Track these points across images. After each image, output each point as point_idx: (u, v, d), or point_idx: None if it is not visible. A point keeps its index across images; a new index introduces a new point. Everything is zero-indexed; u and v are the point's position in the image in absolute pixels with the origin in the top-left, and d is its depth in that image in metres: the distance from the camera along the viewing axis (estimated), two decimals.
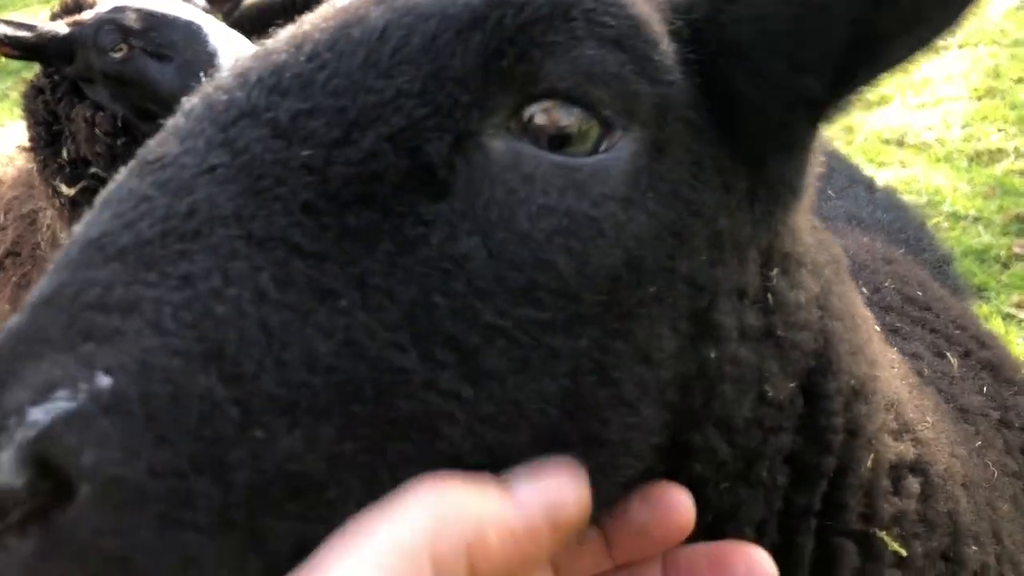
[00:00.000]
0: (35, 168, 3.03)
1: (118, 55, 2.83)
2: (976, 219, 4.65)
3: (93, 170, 2.94)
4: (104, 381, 0.51)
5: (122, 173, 0.65)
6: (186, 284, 0.56)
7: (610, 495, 0.69)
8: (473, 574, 0.55)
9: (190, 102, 0.69)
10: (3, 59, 8.22)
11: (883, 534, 0.91)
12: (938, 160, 5.20)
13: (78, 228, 0.61)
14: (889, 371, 1.03)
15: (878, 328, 1.07)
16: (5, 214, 3.35)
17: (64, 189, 2.95)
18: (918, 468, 0.99)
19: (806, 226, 0.90)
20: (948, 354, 1.55)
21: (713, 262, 0.74)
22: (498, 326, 0.62)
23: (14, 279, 3.31)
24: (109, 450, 0.49)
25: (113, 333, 0.53)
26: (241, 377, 0.54)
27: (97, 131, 2.90)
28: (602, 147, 0.69)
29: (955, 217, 4.68)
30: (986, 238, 4.48)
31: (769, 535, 0.84)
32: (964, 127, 5.43)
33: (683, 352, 0.72)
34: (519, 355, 0.63)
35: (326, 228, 0.60)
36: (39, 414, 0.49)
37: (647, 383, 0.70)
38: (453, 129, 0.65)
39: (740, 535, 0.80)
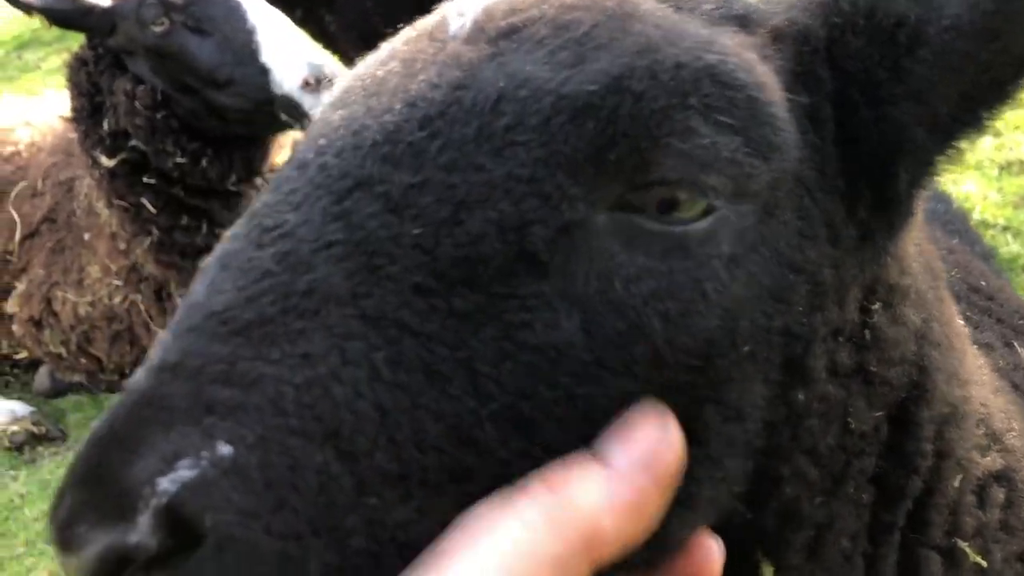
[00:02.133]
0: (76, 138, 3.08)
1: (159, 29, 2.88)
2: (1005, 228, 4.61)
3: (133, 143, 2.99)
4: (225, 450, 0.55)
5: (237, 234, 0.66)
6: (305, 363, 0.58)
7: (681, 542, 0.68)
8: (595, 563, 0.56)
9: (302, 154, 0.68)
10: (37, 30, 8.25)
11: (965, 545, 0.91)
12: (968, 168, 5.16)
13: (199, 290, 0.63)
14: (980, 384, 1.01)
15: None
16: (43, 180, 3.41)
17: (104, 160, 3.00)
18: (1004, 477, 0.98)
19: (913, 250, 0.88)
20: (1016, 343, 1.51)
21: (812, 311, 0.73)
22: (597, 404, 0.63)
23: (49, 245, 3.38)
24: (229, 513, 0.54)
25: (235, 408, 0.56)
26: (355, 453, 0.57)
27: (137, 104, 2.95)
28: (709, 214, 0.67)
29: (984, 225, 4.64)
30: (1015, 247, 4.45)
31: (860, 544, 0.85)
32: (995, 136, 5.39)
33: (773, 400, 0.72)
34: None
35: (435, 309, 0.61)
36: (167, 483, 0.54)
37: (735, 438, 0.70)
38: (559, 220, 0.64)
39: (839, 547, 0.82)
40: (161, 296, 3.31)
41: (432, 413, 0.59)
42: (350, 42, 4.15)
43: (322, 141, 0.67)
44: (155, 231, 3.11)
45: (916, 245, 0.91)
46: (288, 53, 2.83)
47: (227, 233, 0.66)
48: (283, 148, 3.27)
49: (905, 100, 0.74)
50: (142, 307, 3.31)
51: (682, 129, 0.65)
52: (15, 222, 3.37)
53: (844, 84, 0.75)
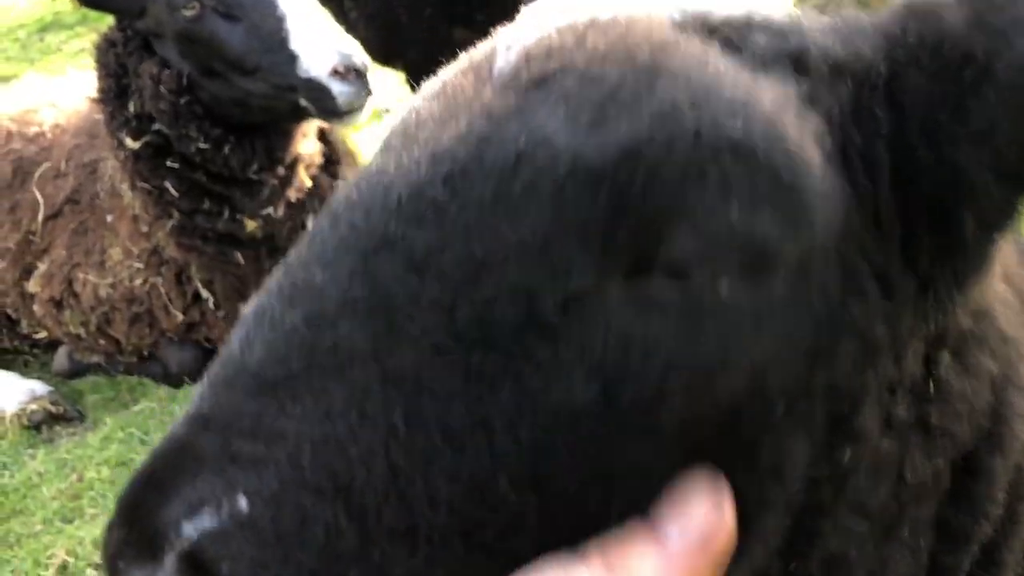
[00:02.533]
0: (103, 119, 3.09)
1: (189, 13, 2.88)
2: None
3: (157, 126, 3.00)
4: (243, 504, 0.59)
5: (272, 287, 0.68)
6: (326, 420, 0.61)
7: None
8: None
9: (336, 207, 0.70)
10: (59, 13, 8.24)
11: None
12: None
13: (235, 344, 0.66)
14: None
15: None
16: (66, 162, 3.42)
17: (129, 142, 3.01)
18: None
19: (997, 287, 0.82)
20: None
21: (861, 368, 0.70)
22: (617, 472, 0.63)
23: (71, 226, 3.39)
24: (242, 563, 0.59)
25: (258, 461, 0.60)
26: (364, 509, 0.60)
27: (162, 88, 2.95)
28: (730, 285, 0.64)
29: None
30: None
31: None
32: None
33: (816, 459, 0.69)
34: (636, 496, 0.63)
35: (454, 368, 0.62)
36: (191, 529, 0.59)
37: (771, 499, 0.68)
38: (566, 289, 0.63)
39: None
40: (181, 279, 3.33)
41: (446, 471, 0.60)
42: (372, 31, 4.16)
43: (354, 195, 0.68)
44: (176, 214, 3.12)
45: (1003, 277, 0.84)
46: (318, 40, 2.84)
47: (266, 283, 0.70)
48: (306, 137, 3.28)
49: (968, 143, 0.69)
50: (162, 290, 3.33)
51: (697, 205, 0.63)
52: (38, 202, 3.38)
53: (902, 124, 0.70)
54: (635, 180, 0.62)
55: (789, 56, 0.70)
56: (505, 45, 0.72)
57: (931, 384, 0.76)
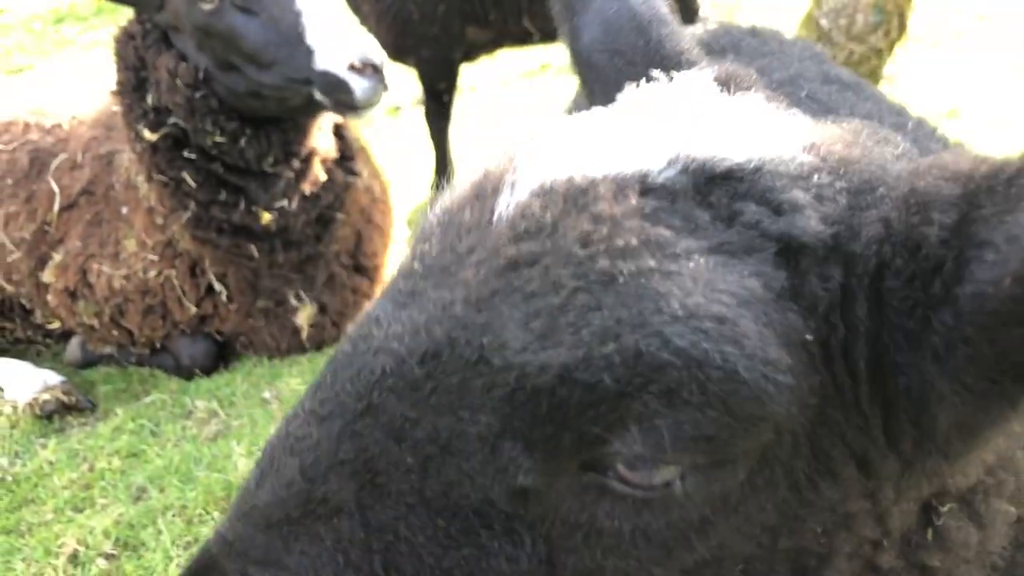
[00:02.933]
0: (120, 111, 3.11)
1: (208, 7, 2.89)
2: None
3: (174, 119, 3.01)
4: None
5: (280, 430, 0.80)
6: (317, 561, 0.73)
7: None
8: None
9: (339, 356, 0.79)
10: (75, 5, 8.26)
11: None
12: None
13: (252, 480, 0.78)
14: None
15: None
16: (83, 153, 3.44)
17: (146, 134, 3.02)
18: None
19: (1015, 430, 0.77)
20: None
21: (832, 531, 0.71)
22: None
23: (87, 217, 3.41)
24: None
25: None
26: None
27: (178, 81, 2.97)
28: (683, 479, 0.67)
29: None
30: None
31: None
32: None
33: None
34: None
35: (425, 525, 0.72)
36: None
37: None
38: (512, 484, 0.71)
39: None
40: (195, 272, 3.34)
41: None
42: (384, 28, 4.17)
43: (349, 349, 0.78)
44: (193, 205, 3.13)
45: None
46: (335, 35, 2.84)
47: (282, 420, 0.81)
48: (321, 131, 3.29)
49: (932, 356, 0.67)
50: (176, 282, 3.34)
51: (638, 414, 0.66)
52: (54, 193, 3.40)
53: (881, 322, 0.69)
54: (573, 398, 0.67)
55: (777, 240, 0.69)
56: (510, 180, 0.76)
57: (930, 532, 0.75)
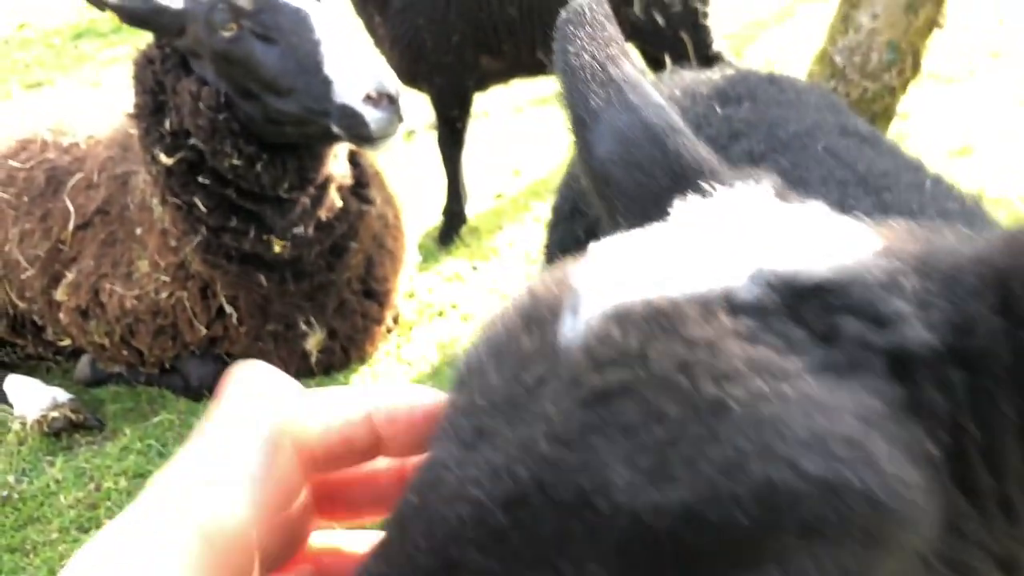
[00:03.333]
0: (136, 134, 3.14)
1: (228, 34, 2.93)
2: None
3: (192, 142, 3.05)
4: None
5: None
6: None
7: None
8: None
9: (404, 506, 0.70)
10: (94, 20, 8.33)
11: None
12: None
13: None
14: None
15: None
16: (99, 173, 3.47)
17: (162, 158, 3.05)
18: None
19: None
20: None
21: None
22: None
23: (101, 236, 3.43)
24: None
25: None
26: None
27: (201, 105, 3.00)
28: None
29: None
30: None
31: None
32: None
33: None
34: None
35: None
36: None
37: None
38: None
39: None
40: (206, 294, 3.36)
41: None
42: (397, 54, 4.20)
43: (416, 500, 0.69)
44: (204, 231, 3.16)
45: None
46: (352, 66, 2.88)
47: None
48: (337, 158, 3.32)
49: None
50: (187, 304, 3.36)
51: (775, 552, 0.59)
52: (69, 212, 3.43)
53: None
54: (700, 542, 0.60)
55: (886, 353, 0.64)
56: (571, 308, 0.70)
57: None
